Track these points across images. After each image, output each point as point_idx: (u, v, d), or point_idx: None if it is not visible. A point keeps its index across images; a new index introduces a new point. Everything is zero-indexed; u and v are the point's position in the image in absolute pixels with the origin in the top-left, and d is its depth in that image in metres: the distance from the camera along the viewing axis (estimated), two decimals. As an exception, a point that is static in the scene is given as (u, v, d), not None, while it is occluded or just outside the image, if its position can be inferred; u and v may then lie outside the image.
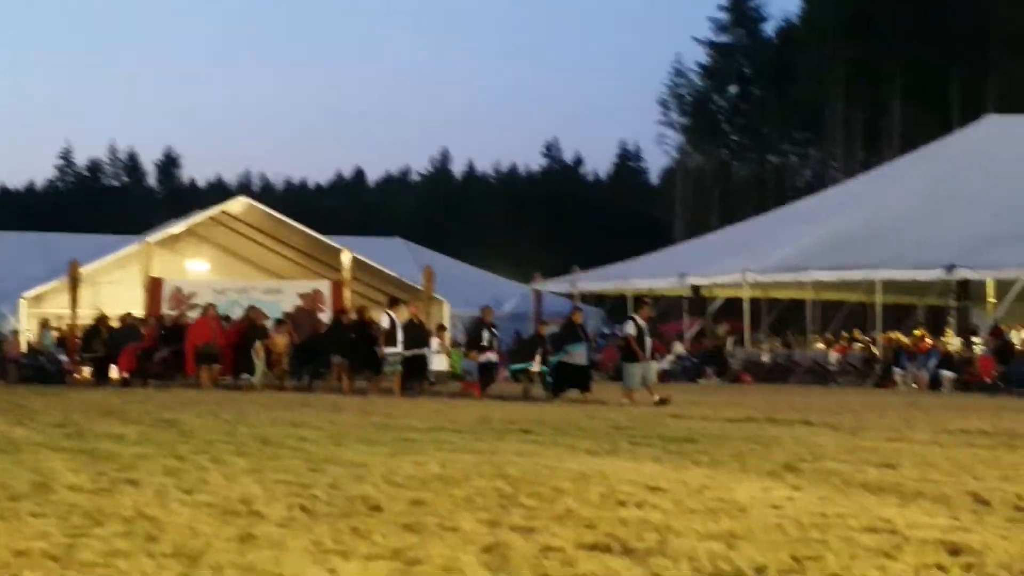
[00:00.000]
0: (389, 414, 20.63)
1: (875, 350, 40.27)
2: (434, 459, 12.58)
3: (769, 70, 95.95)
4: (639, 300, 29.51)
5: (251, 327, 31.34)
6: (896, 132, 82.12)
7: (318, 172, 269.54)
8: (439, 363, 28.72)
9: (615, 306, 45.70)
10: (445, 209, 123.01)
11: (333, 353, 29.82)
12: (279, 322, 32.56)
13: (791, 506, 9.36)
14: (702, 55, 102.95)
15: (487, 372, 28.34)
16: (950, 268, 36.03)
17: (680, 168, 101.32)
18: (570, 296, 48.01)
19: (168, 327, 33.49)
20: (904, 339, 40.79)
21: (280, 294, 41.02)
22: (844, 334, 44.77)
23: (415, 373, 28.64)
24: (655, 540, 7.86)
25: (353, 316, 30.84)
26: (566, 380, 26.46)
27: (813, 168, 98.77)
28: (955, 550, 7.60)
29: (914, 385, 36.41)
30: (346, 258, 40.78)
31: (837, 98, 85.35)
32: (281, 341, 31.10)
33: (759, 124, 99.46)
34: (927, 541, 7.87)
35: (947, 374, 35.85)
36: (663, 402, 24.22)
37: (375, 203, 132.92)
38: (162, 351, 32.40)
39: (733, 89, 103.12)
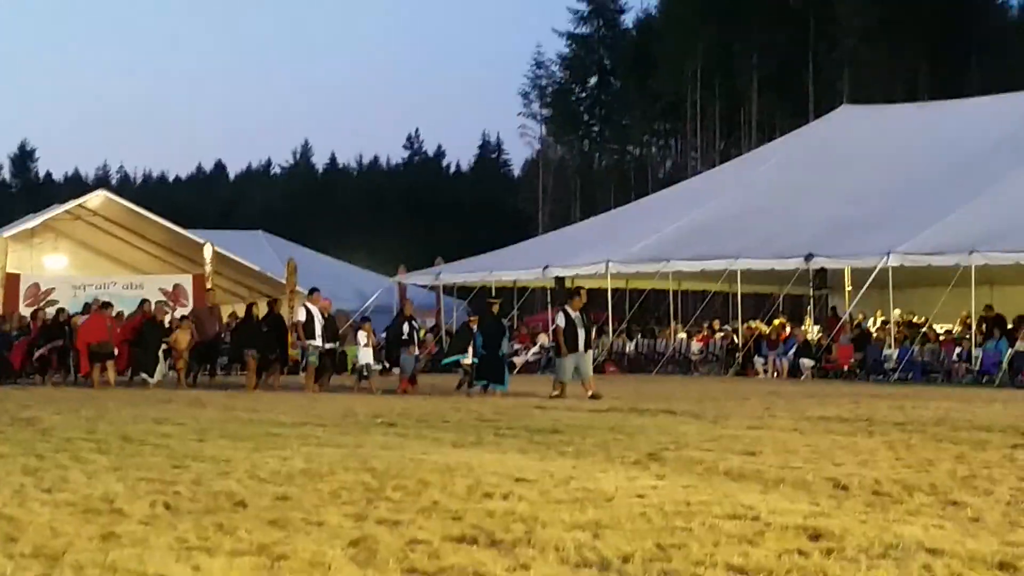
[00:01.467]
0: (253, 409, 20.46)
1: (736, 339, 40.76)
2: (299, 454, 12.51)
3: (628, 61, 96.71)
4: (570, 291, 28.71)
5: (150, 323, 30.60)
6: (754, 122, 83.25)
7: (178, 165, 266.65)
8: (366, 356, 27.69)
9: (477, 298, 45.67)
10: (307, 202, 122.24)
11: (247, 347, 29.06)
12: (183, 318, 31.97)
13: (656, 495, 9.44)
14: (562, 46, 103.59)
15: (411, 366, 27.75)
16: (808, 257, 36.53)
17: (542, 159, 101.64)
18: (433, 288, 47.95)
19: (49, 323, 32.38)
20: (764, 328, 41.34)
21: (141, 289, 40.41)
22: (705, 324, 45.24)
23: (329, 367, 28.43)
24: (522, 531, 7.88)
25: (259, 310, 30.21)
26: (486, 371, 25.90)
27: (673, 159, 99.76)
28: (816, 535, 7.73)
29: (774, 374, 36.92)
30: (208, 252, 40.30)
31: (696, 89, 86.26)
32: (184, 338, 30.31)
33: (619, 115, 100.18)
34: (788, 527, 7.98)
35: (806, 362, 36.39)
36: (595, 397, 23.40)
37: (236, 196, 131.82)
38: (41, 348, 31.48)
39: (593, 80, 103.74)
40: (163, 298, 38.79)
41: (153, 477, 10.67)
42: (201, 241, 41.41)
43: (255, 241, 57.50)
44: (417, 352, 28.74)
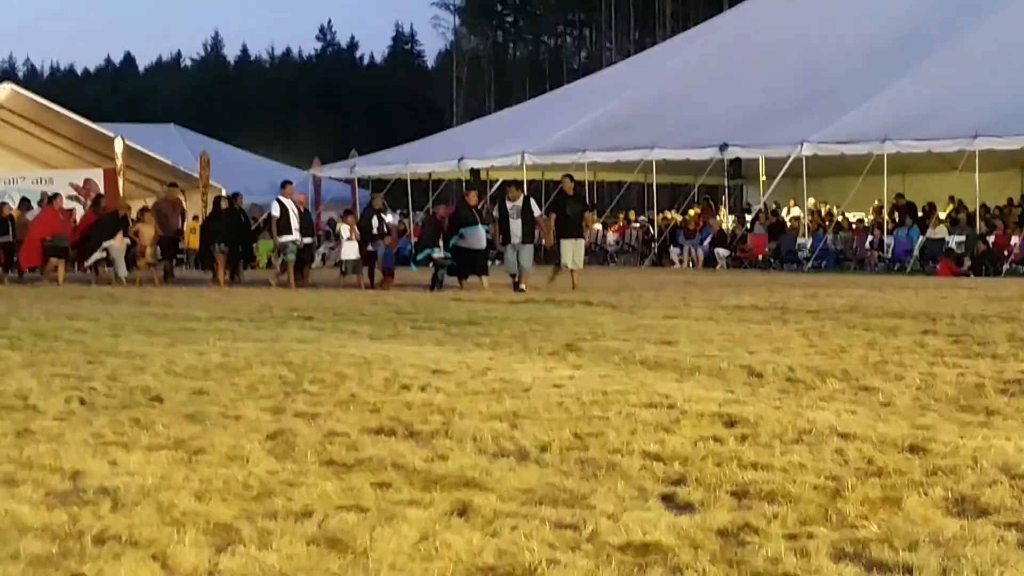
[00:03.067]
0: (168, 304, 20.33)
1: (652, 230, 40.95)
2: (215, 348, 12.46)
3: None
4: (504, 184, 27.94)
5: (111, 217, 29.46)
6: (668, 12, 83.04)
7: (86, 57, 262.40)
8: (350, 251, 26.77)
9: (393, 191, 45.41)
10: (219, 95, 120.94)
11: (216, 242, 28.57)
12: (143, 211, 30.67)
13: (573, 385, 9.49)
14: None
15: (374, 260, 27.28)
16: (723, 147, 36.65)
17: (456, 50, 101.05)
18: (348, 182, 47.66)
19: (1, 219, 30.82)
20: (679, 218, 41.54)
21: (51, 184, 39.90)
22: (621, 215, 45.37)
23: (308, 261, 28.09)
24: (439, 422, 7.90)
25: (225, 204, 29.73)
26: (463, 265, 24.97)
27: (588, 49, 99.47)
28: (731, 422, 7.81)
29: (690, 263, 37.16)
30: (119, 146, 39.79)
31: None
32: (148, 232, 29.16)
33: (533, 5, 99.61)
34: (704, 414, 8.06)
35: (721, 252, 36.65)
36: (519, 290, 23.27)
37: (146, 89, 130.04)
38: None
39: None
40: (73, 192, 38.37)
41: (67, 373, 10.59)
42: (112, 135, 40.88)
43: (167, 135, 56.91)
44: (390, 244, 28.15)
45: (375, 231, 27.24)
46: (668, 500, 5.84)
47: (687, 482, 6.16)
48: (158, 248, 29.82)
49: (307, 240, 27.65)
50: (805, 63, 41.30)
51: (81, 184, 40.36)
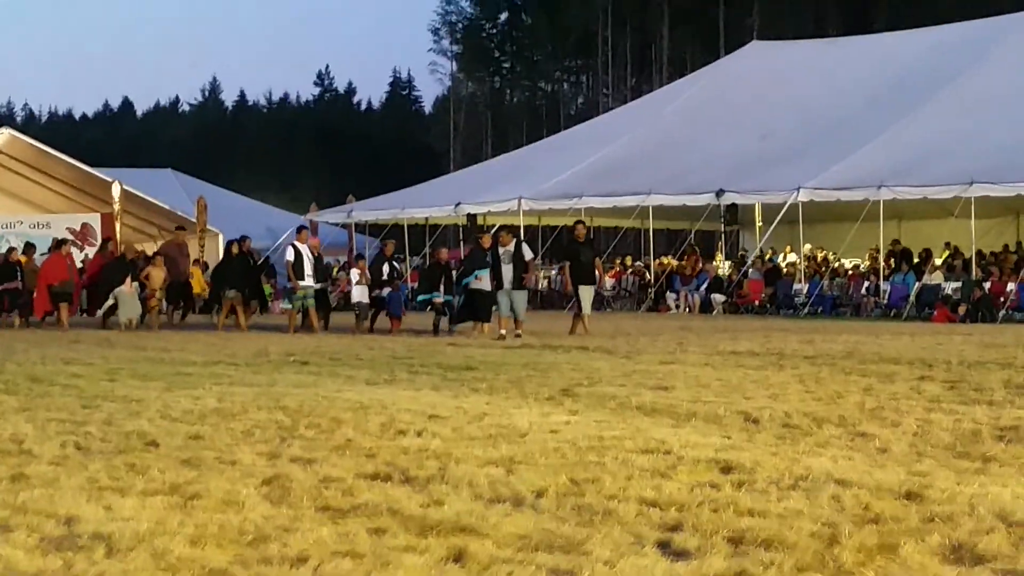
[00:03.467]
0: (164, 348, 20.32)
1: (648, 275, 41.00)
2: (211, 393, 12.44)
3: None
4: (499, 228, 27.30)
5: (118, 262, 29.04)
6: (665, 58, 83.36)
7: (84, 102, 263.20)
8: (360, 294, 26.75)
9: (389, 235, 45.51)
10: (216, 139, 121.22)
11: (229, 287, 28.16)
12: (154, 256, 30.39)
13: (569, 430, 9.48)
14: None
15: (382, 305, 26.84)
16: (719, 193, 36.70)
17: (453, 96, 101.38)
18: (345, 226, 47.73)
19: (7, 264, 30.63)
20: (676, 263, 41.58)
21: (48, 228, 39.98)
22: (618, 260, 45.43)
23: (324, 306, 27.59)
24: (435, 468, 7.89)
25: (236, 249, 28.96)
26: (469, 309, 24.70)
27: (585, 95, 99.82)
28: (727, 468, 7.80)
29: (686, 309, 37.17)
30: (116, 190, 39.84)
31: (607, 25, 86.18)
32: (158, 275, 28.78)
33: (531, 51, 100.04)
34: (700, 460, 8.05)
35: (717, 297, 36.66)
36: (517, 336, 23.00)
37: (144, 134, 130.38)
38: None
39: (504, 16, 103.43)
40: (71, 237, 38.41)
41: (63, 418, 10.58)
42: (109, 180, 40.93)
43: (164, 179, 56.98)
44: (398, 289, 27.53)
45: (385, 277, 26.94)
46: (664, 547, 5.82)
47: (683, 528, 6.15)
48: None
49: (319, 286, 27.10)
50: (801, 109, 41.48)
51: (78, 228, 40.44)
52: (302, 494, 7.07)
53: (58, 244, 30.74)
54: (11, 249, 31.79)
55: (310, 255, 26.74)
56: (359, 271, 27.01)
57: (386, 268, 27.17)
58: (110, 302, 28.14)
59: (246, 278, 28.71)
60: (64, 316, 28.74)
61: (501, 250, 24.07)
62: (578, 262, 25.24)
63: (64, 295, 28.92)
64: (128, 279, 28.14)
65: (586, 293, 25.10)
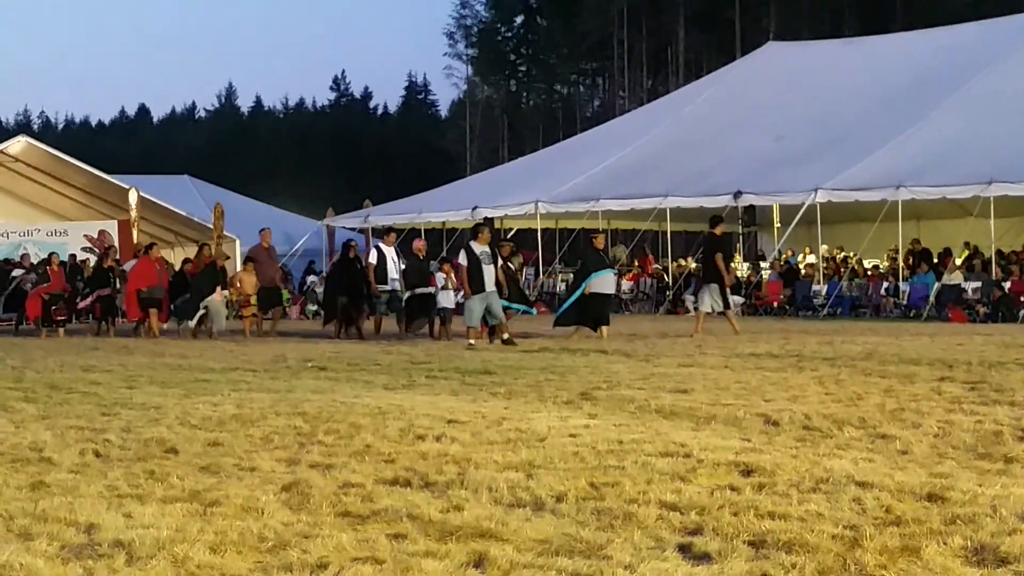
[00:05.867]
0: (182, 355, 20.33)
1: (666, 277, 40.95)
2: (230, 399, 12.45)
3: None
4: (476, 226, 26.09)
5: (208, 271, 27.76)
6: (681, 60, 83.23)
7: (100, 110, 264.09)
8: (446, 300, 24.87)
9: (406, 240, 45.45)
10: (233, 145, 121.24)
11: (340, 293, 26.51)
12: (248, 260, 29.27)
13: (588, 434, 9.46)
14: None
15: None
16: (737, 194, 36.62)
17: (468, 100, 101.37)
18: (362, 231, 47.75)
19: (94, 270, 30.39)
20: (693, 265, 41.51)
21: (65, 236, 40.09)
22: (636, 262, 45.38)
23: (418, 313, 25.63)
24: (455, 473, 7.88)
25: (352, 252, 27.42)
26: (585, 312, 23.48)
27: (601, 98, 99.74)
28: (747, 471, 7.78)
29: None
30: (133, 197, 39.92)
31: (623, 27, 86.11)
32: (249, 281, 27.96)
33: (546, 54, 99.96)
34: (720, 463, 8.03)
35: (736, 299, 36.53)
36: (508, 343, 21.92)
37: (160, 140, 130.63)
38: (87, 297, 29.80)
39: (519, 19, 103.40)
40: (88, 244, 38.50)
41: (82, 425, 10.59)
42: (126, 187, 41.02)
43: (181, 186, 57.06)
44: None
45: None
46: (685, 550, 5.81)
47: (704, 532, 6.14)
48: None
49: (420, 290, 25.31)
50: (819, 110, 41.38)
51: (96, 236, 40.50)
52: (321, 500, 7.07)
53: (146, 248, 29.72)
54: (108, 249, 31.76)
55: (395, 257, 25.71)
56: (445, 275, 25.22)
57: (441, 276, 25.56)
58: (201, 312, 27.21)
59: (356, 283, 26.53)
60: (155, 323, 27.87)
61: (479, 249, 22.75)
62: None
63: (153, 301, 27.98)
64: (219, 289, 27.40)
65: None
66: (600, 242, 24.70)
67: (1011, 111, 35.52)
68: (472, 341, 21.96)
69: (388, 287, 25.27)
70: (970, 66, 39.20)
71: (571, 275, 42.87)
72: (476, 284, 22.48)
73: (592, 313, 23.47)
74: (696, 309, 23.88)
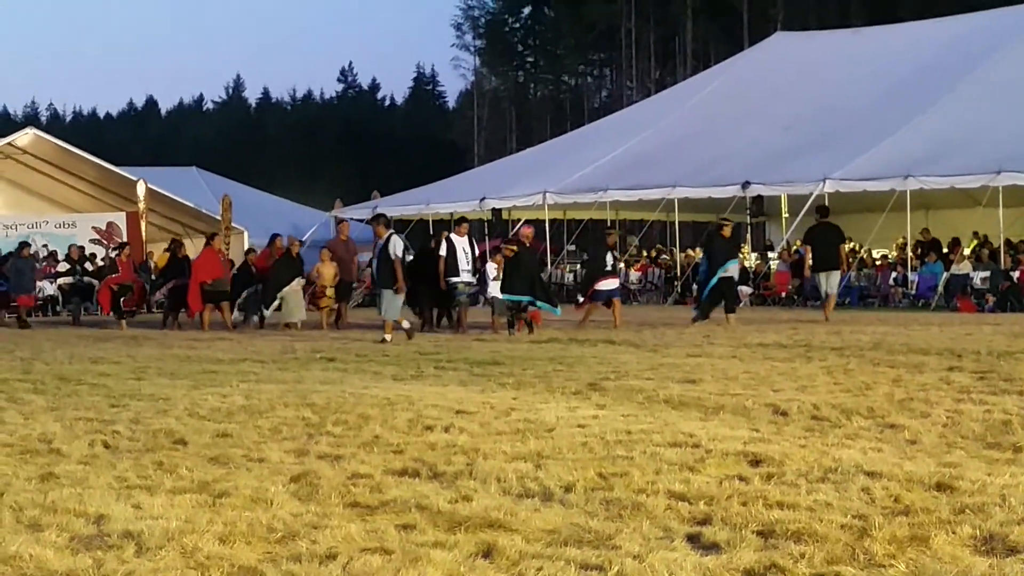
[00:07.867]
0: (191, 347, 20.36)
1: (675, 268, 40.92)
2: (238, 391, 12.46)
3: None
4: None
5: (285, 260, 27.02)
6: (689, 51, 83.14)
7: (108, 102, 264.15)
8: (497, 290, 24.17)
9: (415, 231, 45.47)
10: (241, 137, 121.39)
11: (422, 283, 24.80)
12: (322, 249, 28.58)
13: (597, 424, 9.46)
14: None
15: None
16: (745, 185, 36.55)
17: (476, 91, 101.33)
18: (370, 222, 47.65)
19: (169, 261, 29.74)
20: (701, 256, 41.46)
21: (74, 228, 40.15)
22: (644, 253, 45.35)
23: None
24: (463, 463, 7.89)
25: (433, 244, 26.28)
26: (719, 297, 24.26)
27: (609, 88, 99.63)
28: (756, 461, 7.77)
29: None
30: (141, 189, 39.94)
31: (630, 17, 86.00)
32: (328, 272, 27.31)
33: (554, 45, 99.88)
34: (729, 453, 8.02)
35: (744, 289, 36.51)
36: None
37: (169, 132, 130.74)
38: (161, 288, 29.30)
39: (526, 10, 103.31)
40: (96, 236, 38.53)
41: (91, 417, 10.61)
42: (134, 178, 41.04)
43: (189, 177, 57.01)
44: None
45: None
46: (694, 540, 5.81)
47: (713, 522, 6.13)
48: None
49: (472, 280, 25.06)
50: (826, 100, 41.28)
51: (104, 227, 40.56)
52: (330, 491, 7.08)
53: (209, 239, 29.07)
54: (180, 243, 30.79)
55: (467, 248, 24.80)
56: (496, 266, 24.87)
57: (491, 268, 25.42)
58: (276, 303, 26.59)
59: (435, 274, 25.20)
60: (227, 316, 27.45)
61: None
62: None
63: (218, 294, 27.38)
64: (298, 279, 26.95)
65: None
66: (727, 232, 25.40)
67: (1020, 100, 35.42)
68: (388, 336, 20.99)
69: (459, 279, 24.42)
70: (978, 55, 39.10)
71: (578, 266, 43.05)
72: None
73: (728, 298, 24.56)
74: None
